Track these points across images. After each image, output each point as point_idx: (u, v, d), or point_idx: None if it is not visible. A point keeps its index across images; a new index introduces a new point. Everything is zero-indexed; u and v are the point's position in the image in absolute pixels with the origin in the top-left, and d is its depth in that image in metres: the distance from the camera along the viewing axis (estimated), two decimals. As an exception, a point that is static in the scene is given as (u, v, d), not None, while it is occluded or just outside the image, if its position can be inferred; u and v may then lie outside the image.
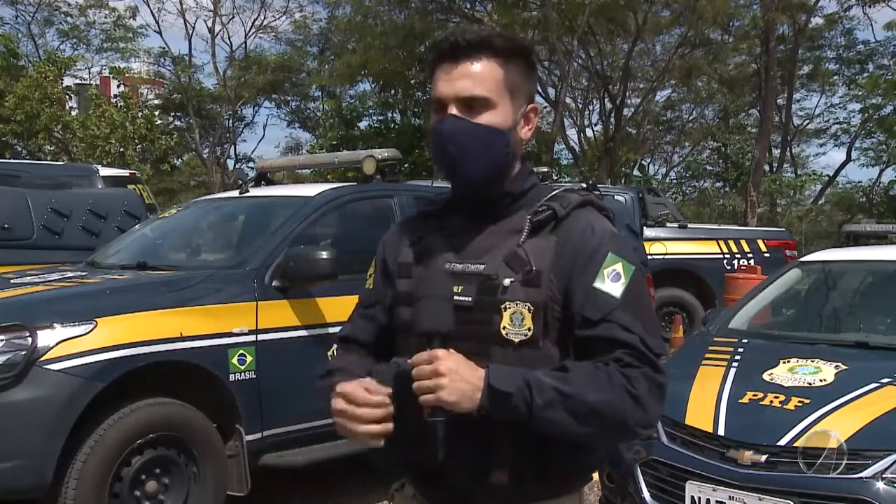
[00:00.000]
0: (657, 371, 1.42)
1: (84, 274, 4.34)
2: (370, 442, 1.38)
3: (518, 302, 1.43)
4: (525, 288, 1.44)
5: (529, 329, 1.43)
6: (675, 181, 30.61)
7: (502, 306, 1.44)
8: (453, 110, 1.47)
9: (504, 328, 1.43)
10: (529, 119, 1.55)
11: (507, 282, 1.45)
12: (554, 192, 1.54)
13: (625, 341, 1.41)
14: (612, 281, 1.45)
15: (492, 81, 1.48)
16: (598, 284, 1.44)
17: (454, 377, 1.34)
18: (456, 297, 1.44)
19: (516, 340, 1.43)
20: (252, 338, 3.93)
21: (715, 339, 4.37)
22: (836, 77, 27.02)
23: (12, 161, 14.08)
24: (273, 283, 4.08)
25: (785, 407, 3.31)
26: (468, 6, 22.74)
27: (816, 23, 24.29)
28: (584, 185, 7.41)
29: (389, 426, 1.38)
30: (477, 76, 1.48)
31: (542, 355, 1.44)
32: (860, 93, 25.31)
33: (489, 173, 1.50)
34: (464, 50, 1.48)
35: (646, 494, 3.38)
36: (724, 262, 9.52)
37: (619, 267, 1.46)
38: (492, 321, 1.44)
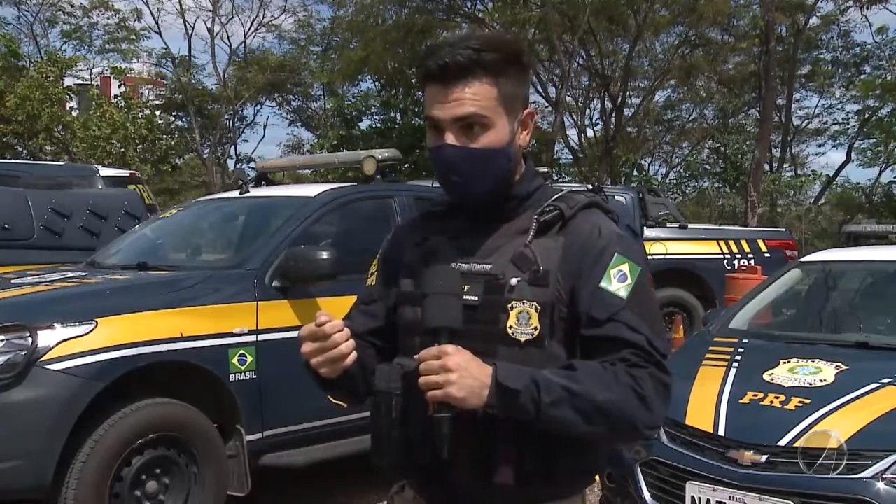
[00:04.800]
0: (663, 371, 1.43)
1: (84, 274, 4.34)
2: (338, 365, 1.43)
3: (525, 301, 1.44)
4: (532, 287, 1.44)
5: (536, 328, 1.43)
6: (674, 181, 30.57)
7: (508, 305, 1.44)
8: (451, 138, 1.45)
9: (510, 327, 1.44)
10: (527, 124, 1.54)
11: (513, 281, 1.45)
12: (560, 193, 1.54)
13: (631, 341, 1.42)
14: (618, 281, 1.45)
15: (486, 102, 1.44)
16: (604, 285, 1.45)
17: (463, 373, 1.34)
18: (463, 297, 1.43)
19: (522, 340, 1.43)
20: (252, 338, 3.94)
21: (715, 339, 4.37)
22: (833, 80, 26.98)
23: (13, 161, 14.06)
24: (273, 284, 4.08)
25: (785, 407, 3.31)
26: (469, 5, 22.73)
27: (814, 23, 24.24)
28: (590, 187, 7.39)
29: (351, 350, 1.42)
30: (471, 101, 1.44)
31: (548, 355, 1.44)
32: (857, 94, 25.28)
33: (493, 190, 1.50)
34: (453, 72, 1.43)
35: (646, 494, 3.38)
36: (725, 262, 9.51)
37: (625, 268, 1.46)
38: (498, 320, 1.44)
